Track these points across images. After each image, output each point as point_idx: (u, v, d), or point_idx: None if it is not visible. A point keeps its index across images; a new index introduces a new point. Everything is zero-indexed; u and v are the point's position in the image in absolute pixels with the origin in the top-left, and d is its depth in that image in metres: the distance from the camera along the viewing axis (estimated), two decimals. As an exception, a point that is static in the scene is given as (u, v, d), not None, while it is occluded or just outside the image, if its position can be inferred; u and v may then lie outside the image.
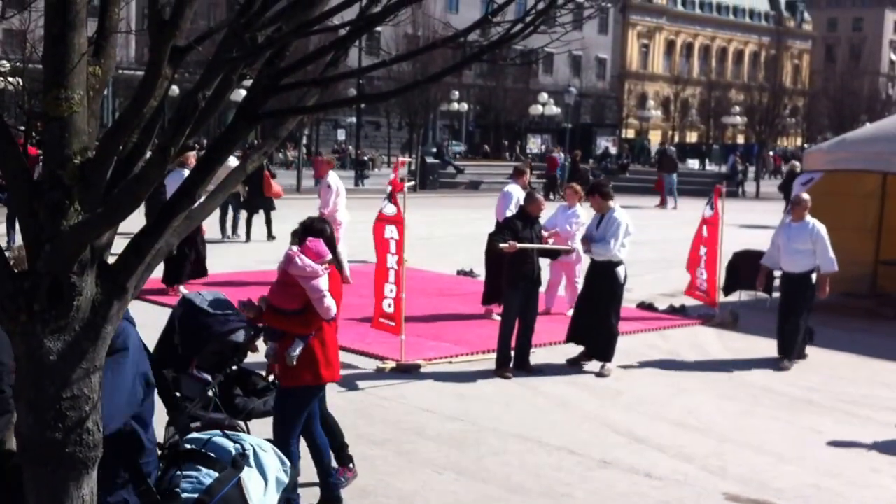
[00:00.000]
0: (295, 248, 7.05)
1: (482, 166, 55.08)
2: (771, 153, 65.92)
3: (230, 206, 23.21)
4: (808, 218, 12.78)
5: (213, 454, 4.80)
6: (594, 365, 12.07)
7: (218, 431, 5.10)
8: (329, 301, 7.03)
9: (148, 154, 3.10)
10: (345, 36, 3.32)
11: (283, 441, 7.17)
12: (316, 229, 7.29)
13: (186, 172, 15.01)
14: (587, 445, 9.20)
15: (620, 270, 12.07)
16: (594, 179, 14.71)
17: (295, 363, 7.07)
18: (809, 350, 13.32)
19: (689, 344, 13.85)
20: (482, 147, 70.48)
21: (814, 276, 12.71)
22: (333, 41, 3.35)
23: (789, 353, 12.69)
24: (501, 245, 11.49)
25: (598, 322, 11.97)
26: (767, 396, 11.28)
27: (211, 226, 21.16)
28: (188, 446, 4.96)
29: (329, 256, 7.12)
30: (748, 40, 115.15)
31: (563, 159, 45.78)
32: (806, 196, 13.22)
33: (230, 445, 4.86)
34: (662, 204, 39.81)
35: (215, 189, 3.32)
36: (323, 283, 7.00)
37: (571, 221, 14.21)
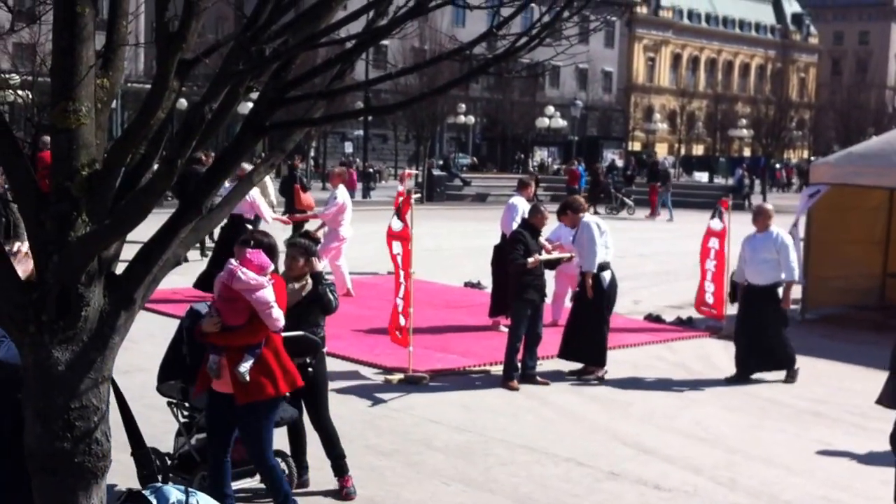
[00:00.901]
0: (234, 262, 6.78)
1: (489, 179, 55.12)
2: (777, 165, 65.90)
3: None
4: (773, 227, 12.45)
5: (153, 499, 4.75)
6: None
7: (182, 487, 4.99)
8: (277, 312, 6.81)
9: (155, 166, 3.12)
10: (350, 49, 3.34)
11: (259, 458, 7.01)
12: (256, 242, 7.02)
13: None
14: (595, 457, 9.19)
15: (605, 275, 12.17)
16: (570, 197, 14.70)
17: (248, 378, 6.79)
18: (817, 363, 13.30)
19: (696, 356, 13.83)
20: (473, 161, 70.20)
21: (780, 290, 12.33)
22: (339, 54, 3.37)
23: (791, 365, 12.39)
24: (529, 261, 11.55)
25: (586, 329, 12.06)
26: (775, 408, 11.25)
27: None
28: (146, 491, 4.90)
29: (272, 267, 6.92)
30: (754, 53, 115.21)
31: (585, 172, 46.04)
32: (769, 206, 12.96)
33: (174, 497, 4.79)
34: (652, 215, 40.17)
35: (221, 201, 3.34)
36: (269, 294, 6.77)
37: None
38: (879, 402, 7.96)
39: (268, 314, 6.78)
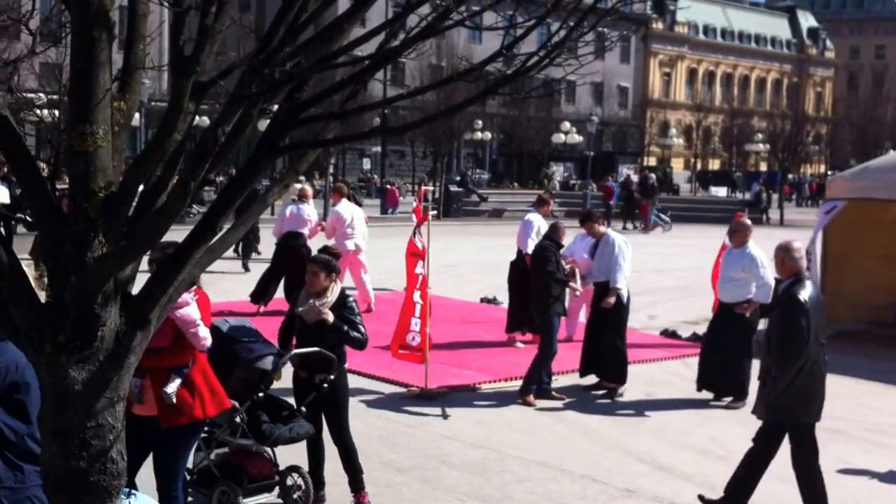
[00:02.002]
0: None
1: (506, 194, 55.19)
2: (790, 177, 65.61)
3: None
4: (750, 245, 11.99)
5: None
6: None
7: (126, 490, 4.87)
8: (203, 331, 6.62)
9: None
10: (363, 69, 3.38)
11: (167, 486, 6.67)
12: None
13: (305, 206, 15.76)
14: (611, 474, 9.18)
15: (622, 292, 12.17)
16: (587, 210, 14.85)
17: (174, 400, 6.56)
18: (834, 379, 13.21)
19: (712, 372, 13.78)
20: (474, 175, 69.95)
21: (749, 311, 11.87)
22: (352, 74, 3.40)
23: (742, 393, 11.76)
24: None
25: (605, 345, 12.06)
26: (792, 425, 11.19)
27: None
28: None
29: (195, 283, 6.85)
30: (770, 68, 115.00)
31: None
32: (748, 221, 12.57)
33: None
34: (646, 229, 40.34)
35: (236, 222, 3.38)
36: (194, 311, 6.55)
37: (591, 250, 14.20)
38: (753, 412, 8.12)
39: (193, 333, 6.59)
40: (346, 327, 7.89)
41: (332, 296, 8.01)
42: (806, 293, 7.73)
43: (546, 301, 11.79)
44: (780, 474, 9.35)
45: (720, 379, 11.96)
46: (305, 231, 16.98)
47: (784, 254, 8.02)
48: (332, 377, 7.90)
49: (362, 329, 8.03)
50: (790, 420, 7.93)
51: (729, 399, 11.95)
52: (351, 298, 8.19)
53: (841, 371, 13.61)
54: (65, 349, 3.14)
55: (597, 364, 12.31)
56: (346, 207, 17.20)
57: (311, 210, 17.23)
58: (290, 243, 16.80)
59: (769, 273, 11.71)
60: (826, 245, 16.71)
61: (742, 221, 12.48)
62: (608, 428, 10.82)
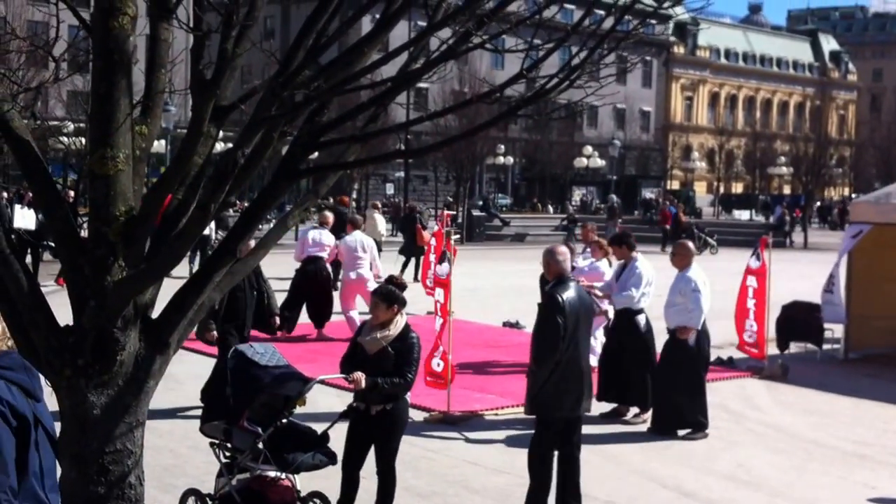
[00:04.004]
0: None
1: (528, 219, 55.23)
2: (818, 203, 65.21)
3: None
4: (692, 268, 11.46)
5: None
6: (631, 413, 12.09)
7: None
8: None
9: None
10: (384, 92, 3.37)
11: None
12: None
13: (325, 233, 15.85)
14: (634, 500, 9.09)
15: (640, 319, 12.03)
16: (616, 232, 14.54)
17: None
18: (861, 403, 13.09)
19: (737, 397, 13.67)
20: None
21: (691, 338, 11.28)
22: (372, 98, 3.40)
23: (668, 425, 11.34)
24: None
25: (628, 374, 11.92)
26: (819, 450, 11.09)
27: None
28: None
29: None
30: (792, 91, 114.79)
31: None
32: (689, 243, 12.13)
33: None
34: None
35: (257, 245, 3.36)
36: None
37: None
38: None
39: None
40: (379, 380, 7.69)
41: (396, 328, 7.81)
42: (566, 294, 8.13)
43: None
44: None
45: (673, 414, 11.43)
46: (324, 255, 17.37)
47: (549, 257, 8.57)
48: (388, 407, 7.80)
49: (410, 372, 7.75)
50: (547, 415, 8.25)
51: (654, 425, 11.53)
52: (413, 334, 7.91)
53: (867, 395, 13.49)
54: (84, 373, 3.13)
55: (615, 389, 12.17)
56: (356, 238, 17.26)
57: (329, 237, 17.50)
58: (311, 267, 17.18)
59: (703, 297, 11.24)
60: (851, 269, 16.58)
61: (681, 243, 12.15)
62: (631, 453, 10.73)
